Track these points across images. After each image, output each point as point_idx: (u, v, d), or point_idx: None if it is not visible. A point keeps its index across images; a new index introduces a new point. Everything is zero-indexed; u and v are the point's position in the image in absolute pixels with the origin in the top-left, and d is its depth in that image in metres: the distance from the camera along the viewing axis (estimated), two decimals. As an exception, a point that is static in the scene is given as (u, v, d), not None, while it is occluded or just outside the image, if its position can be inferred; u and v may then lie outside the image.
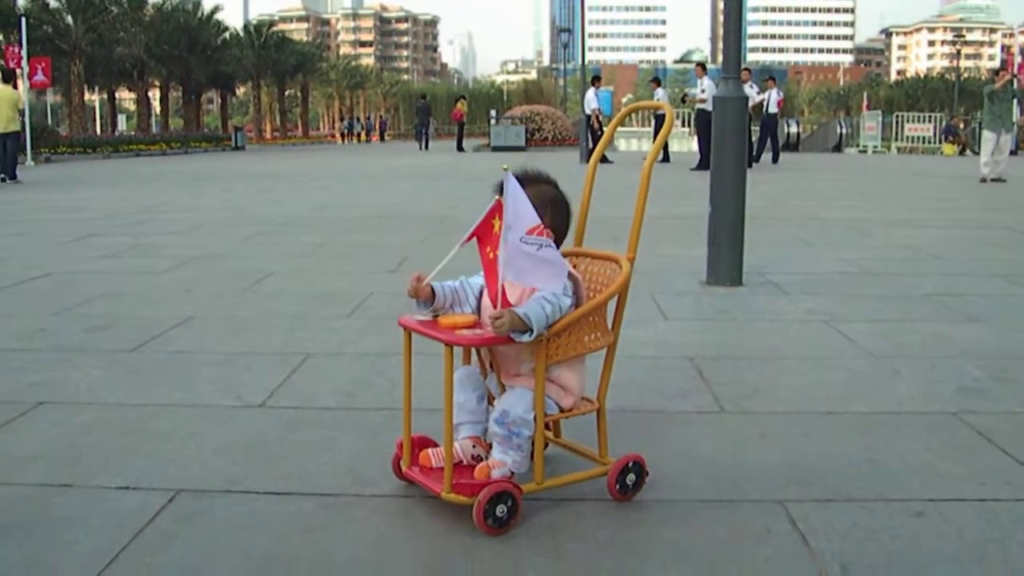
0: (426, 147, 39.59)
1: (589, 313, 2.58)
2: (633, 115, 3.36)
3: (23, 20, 27.66)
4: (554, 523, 2.56)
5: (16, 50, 25.90)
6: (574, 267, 2.70)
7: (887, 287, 6.13)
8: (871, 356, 4.32)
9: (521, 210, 2.41)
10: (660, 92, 24.74)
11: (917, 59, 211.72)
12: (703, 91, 20.68)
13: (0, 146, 18.25)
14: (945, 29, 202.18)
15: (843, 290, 6.01)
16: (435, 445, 2.78)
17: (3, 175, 18.07)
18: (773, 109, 23.18)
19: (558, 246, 2.63)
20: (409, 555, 2.38)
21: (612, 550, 2.41)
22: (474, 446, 2.70)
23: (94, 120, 70.62)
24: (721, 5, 6.95)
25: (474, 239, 2.62)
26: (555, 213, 2.66)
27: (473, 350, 2.77)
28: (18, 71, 23.82)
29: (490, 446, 2.65)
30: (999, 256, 7.74)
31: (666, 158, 23.92)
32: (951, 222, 10.46)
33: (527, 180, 2.64)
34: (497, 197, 2.54)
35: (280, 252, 7.97)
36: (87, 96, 57.81)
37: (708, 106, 20.13)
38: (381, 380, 3.94)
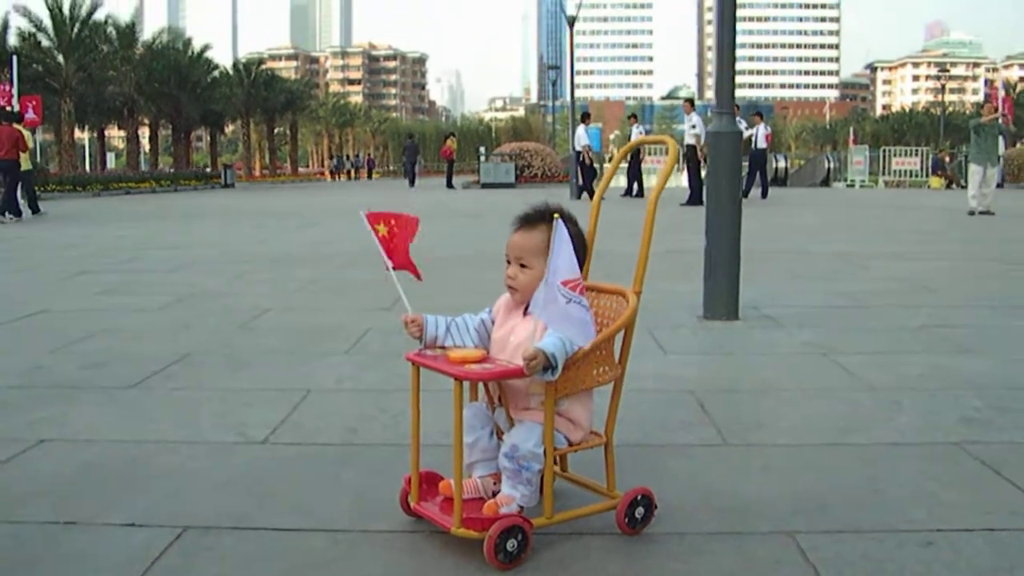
0: (413, 184, 39.73)
1: (598, 347, 2.58)
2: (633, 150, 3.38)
3: (14, 58, 27.70)
4: (564, 557, 2.55)
5: (7, 88, 25.90)
6: None
7: (882, 319, 6.16)
8: (870, 388, 4.33)
9: (565, 260, 2.40)
10: (636, 129, 24.97)
11: (902, 93, 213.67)
12: (693, 126, 20.82)
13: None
14: (929, 64, 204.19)
15: (838, 323, 6.03)
16: (443, 479, 2.78)
17: (6, 211, 18.12)
18: (762, 144, 23.33)
19: None
20: (420, 590, 2.37)
21: (623, 583, 2.41)
22: (494, 483, 2.70)
23: (84, 158, 70.63)
24: (709, 42, 7.00)
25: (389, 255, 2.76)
26: (577, 251, 2.67)
27: (480, 384, 2.78)
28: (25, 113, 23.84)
29: None
30: (990, 288, 7.79)
31: (640, 192, 24.05)
32: (941, 255, 10.52)
33: (543, 217, 2.66)
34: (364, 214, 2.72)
35: (274, 288, 7.96)
36: (77, 134, 57.89)
37: (696, 141, 20.30)
38: (383, 416, 3.93)
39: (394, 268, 2.76)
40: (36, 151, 22.14)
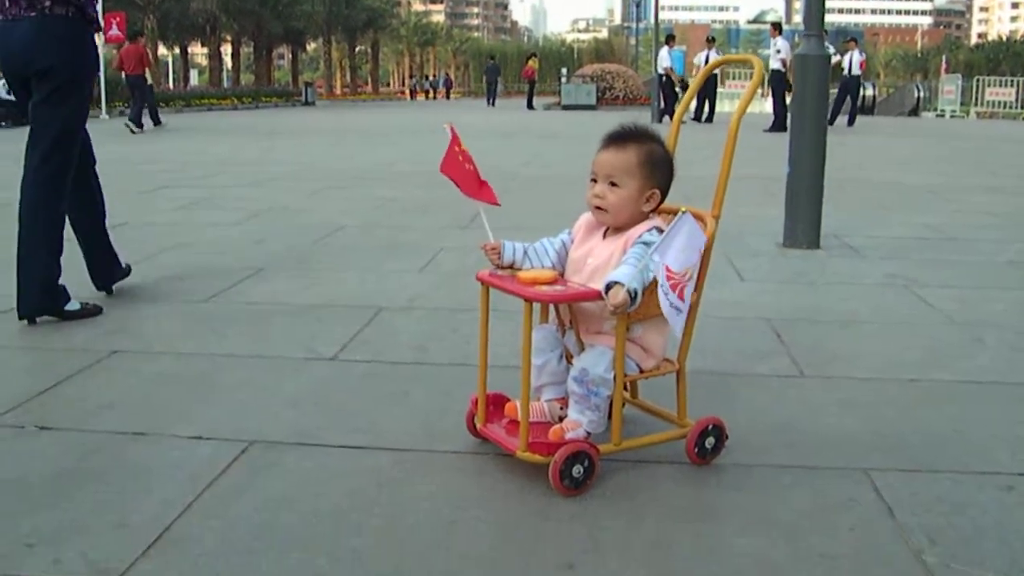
0: (493, 104, 39.54)
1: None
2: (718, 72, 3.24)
3: (99, -27, 27.87)
4: (630, 485, 2.50)
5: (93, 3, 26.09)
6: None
7: (968, 253, 5.96)
8: (953, 323, 4.20)
9: (676, 249, 2.30)
10: (710, 53, 23.93)
11: (1000, 21, 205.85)
12: (779, 51, 20.30)
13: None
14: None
15: (923, 255, 5.85)
16: (510, 401, 2.74)
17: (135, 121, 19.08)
18: (856, 71, 22.73)
19: (662, 202, 2.59)
20: (483, 514, 2.34)
21: (689, 515, 2.36)
22: (561, 408, 2.65)
23: (167, 74, 71.33)
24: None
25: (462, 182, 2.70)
26: (665, 173, 2.58)
27: (552, 306, 2.71)
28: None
29: None
30: (1086, 224, 7.49)
31: (710, 118, 23.51)
32: (1036, 189, 10.13)
33: (636, 136, 2.55)
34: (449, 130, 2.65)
35: (351, 205, 7.96)
36: (160, 51, 58.39)
37: (782, 66, 19.80)
38: (454, 336, 3.90)
39: (466, 195, 2.70)
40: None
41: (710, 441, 2.64)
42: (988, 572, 2.08)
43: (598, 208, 2.54)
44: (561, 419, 2.63)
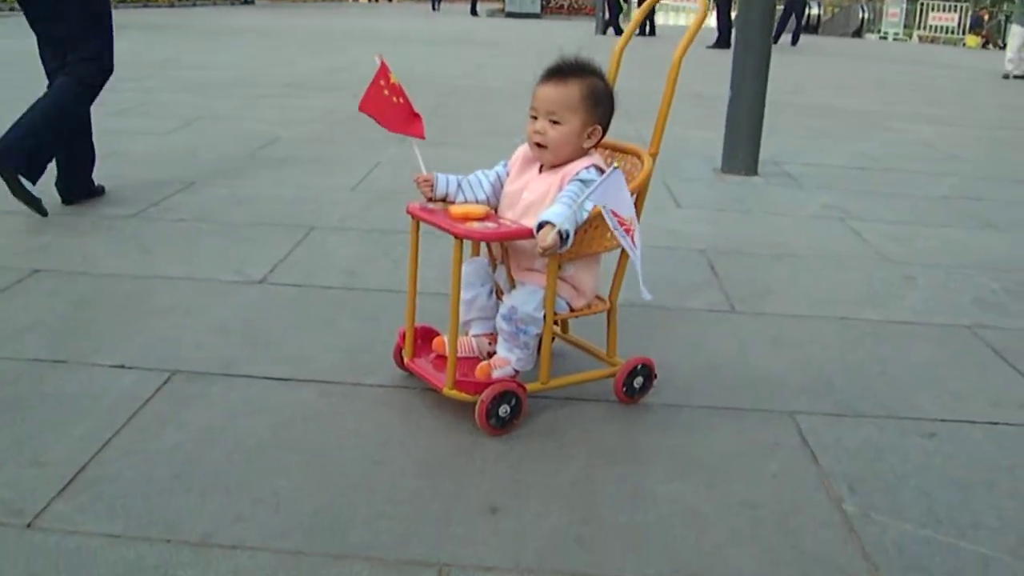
0: (437, 9, 38.84)
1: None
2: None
3: None
4: (557, 424, 2.50)
5: None
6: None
7: (903, 186, 5.99)
8: (886, 260, 4.22)
9: (620, 198, 2.25)
10: None
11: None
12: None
13: None
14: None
15: (859, 186, 5.87)
16: (438, 335, 2.71)
17: None
18: (807, -13, 22.55)
19: (603, 138, 2.55)
20: (408, 452, 2.32)
21: (615, 456, 2.36)
22: (489, 343, 2.63)
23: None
24: None
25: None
26: (607, 108, 2.52)
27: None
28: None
29: None
30: (1020, 159, 7.57)
31: (652, 31, 23.32)
32: (971, 120, 10.21)
33: (577, 71, 2.48)
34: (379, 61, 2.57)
35: (288, 115, 7.77)
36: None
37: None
38: (384, 259, 3.85)
39: (390, 130, 2.63)
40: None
41: (638, 381, 2.64)
42: (906, 523, 2.11)
43: (538, 145, 2.48)
44: (490, 355, 2.61)
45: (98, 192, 4.69)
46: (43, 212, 4.16)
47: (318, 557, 1.88)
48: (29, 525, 1.92)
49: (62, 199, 4.49)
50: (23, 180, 4.09)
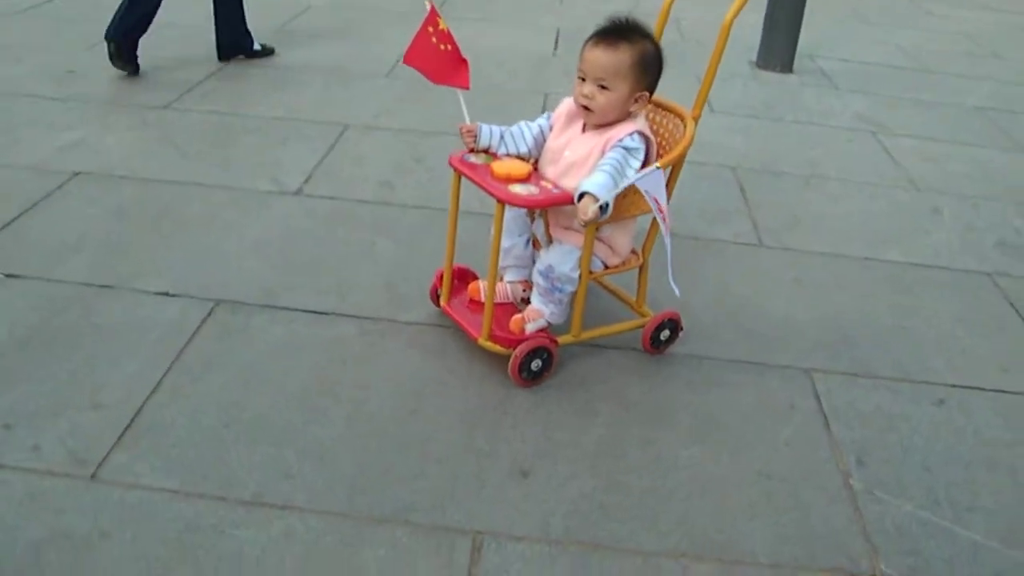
0: None
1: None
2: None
3: None
4: (587, 376, 2.61)
5: None
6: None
7: (938, 92, 5.87)
8: (914, 188, 4.24)
9: (659, 191, 2.30)
10: None
11: None
12: None
13: None
14: None
15: (893, 90, 5.78)
16: (476, 277, 2.80)
17: None
18: None
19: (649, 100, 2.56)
20: (443, 402, 2.45)
21: (640, 415, 2.48)
22: (524, 290, 2.72)
23: None
24: None
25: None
26: (654, 73, 2.52)
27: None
28: None
29: None
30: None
31: None
32: (1019, 5, 9.80)
33: (628, 33, 2.47)
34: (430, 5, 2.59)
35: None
36: None
37: None
38: (419, 168, 3.91)
39: (435, 82, 2.65)
40: None
41: (665, 334, 2.74)
42: (908, 503, 2.25)
43: (585, 108, 2.51)
44: (524, 300, 2.71)
45: (260, 53, 5.30)
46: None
47: (361, 521, 2.02)
48: (93, 476, 2.07)
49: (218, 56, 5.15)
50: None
